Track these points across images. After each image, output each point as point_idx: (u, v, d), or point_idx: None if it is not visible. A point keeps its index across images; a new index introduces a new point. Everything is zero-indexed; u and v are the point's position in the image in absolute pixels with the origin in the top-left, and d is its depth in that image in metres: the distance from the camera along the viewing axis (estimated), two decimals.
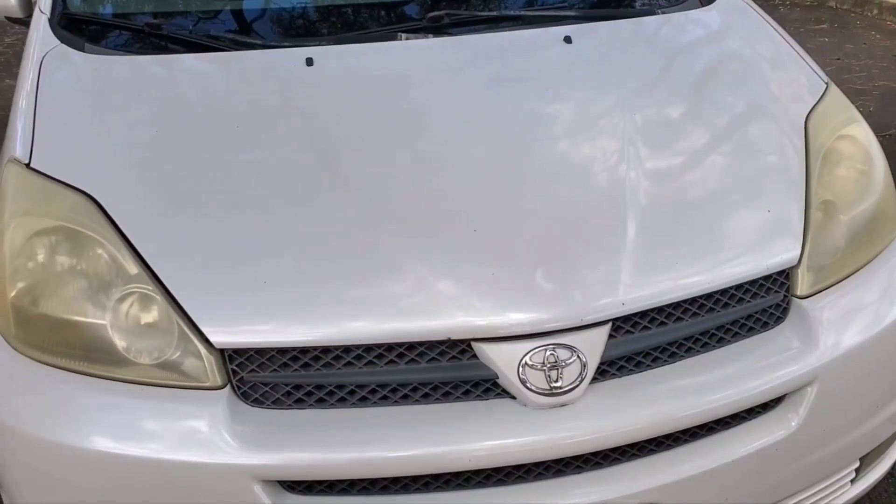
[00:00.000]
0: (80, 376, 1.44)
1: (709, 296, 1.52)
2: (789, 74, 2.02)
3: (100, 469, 1.40)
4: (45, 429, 1.42)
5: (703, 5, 2.21)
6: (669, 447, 1.47)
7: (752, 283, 1.56)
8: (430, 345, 1.41)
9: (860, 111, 2.01)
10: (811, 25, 6.37)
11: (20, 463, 1.48)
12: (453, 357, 1.42)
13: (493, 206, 1.57)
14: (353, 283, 1.45)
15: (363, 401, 1.41)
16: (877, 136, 1.94)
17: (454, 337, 1.41)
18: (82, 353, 1.45)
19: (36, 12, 2.10)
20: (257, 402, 1.41)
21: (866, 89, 4.96)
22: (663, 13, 2.16)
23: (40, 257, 1.52)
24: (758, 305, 1.56)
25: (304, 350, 1.41)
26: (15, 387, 1.48)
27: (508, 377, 1.40)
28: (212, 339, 1.40)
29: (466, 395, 1.42)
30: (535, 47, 1.99)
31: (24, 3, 2.38)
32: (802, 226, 1.62)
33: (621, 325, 1.47)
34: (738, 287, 1.54)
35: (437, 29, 2.01)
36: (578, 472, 1.43)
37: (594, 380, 1.43)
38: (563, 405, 1.41)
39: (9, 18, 2.43)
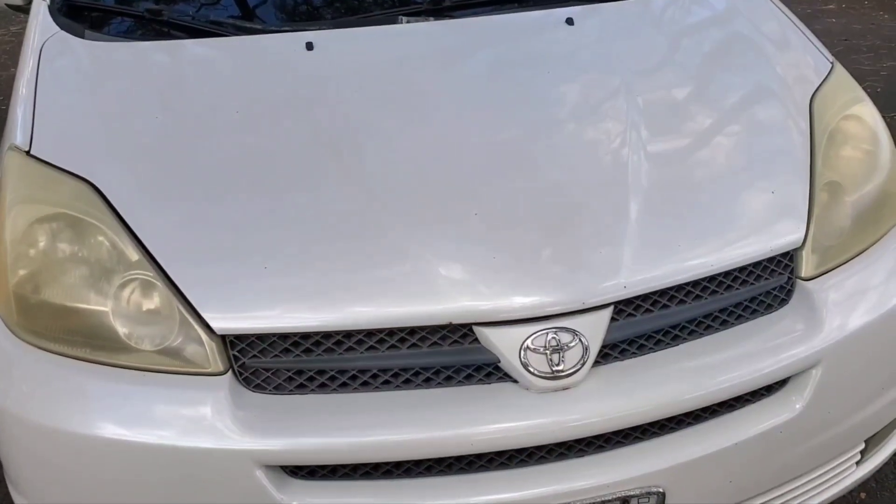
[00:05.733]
0: (82, 363, 1.44)
1: (712, 278, 1.51)
2: (794, 55, 1.99)
3: (103, 455, 1.40)
4: (50, 416, 1.43)
5: None
6: (673, 430, 1.47)
7: (756, 265, 1.55)
8: (432, 329, 1.41)
9: (868, 92, 1.98)
10: (819, 6, 6.29)
11: (24, 450, 1.48)
12: (455, 341, 1.42)
13: (495, 189, 1.56)
14: (355, 268, 1.44)
15: (365, 386, 1.41)
16: (884, 117, 1.92)
17: (455, 321, 1.40)
18: (84, 340, 1.45)
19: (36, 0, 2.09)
20: (259, 388, 1.41)
21: (874, 70, 4.91)
22: None
23: (41, 244, 1.52)
24: (762, 287, 1.55)
25: (305, 335, 1.40)
26: (18, 375, 1.49)
27: (510, 361, 1.40)
28: (213, 324, 1.40)
29: (468, 379, 1.42)
30: (537, 30, 1.97)
31: None
32: (807, 207, 1.61)
33: (623, 308, 1.46)
34: (742, 269, 1.53)
35: (438, 11, 1.99)
36: (581, 456, 1.43)
37: (596, 363, 1.43)
38: (565, 389, 1.40)
39: (9, 6, 2.43)
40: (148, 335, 1.44)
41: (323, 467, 1.40)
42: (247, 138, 1.67)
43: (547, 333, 1.40)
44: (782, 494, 1.61)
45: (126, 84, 1.82)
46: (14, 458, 1.52)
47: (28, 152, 1.64)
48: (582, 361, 1.40)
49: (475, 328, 1.41)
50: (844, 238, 1.64)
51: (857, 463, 1.72)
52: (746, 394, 1.50)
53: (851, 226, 1.66)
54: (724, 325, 1.52)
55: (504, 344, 1.40)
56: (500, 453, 1.41)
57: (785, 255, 1.58)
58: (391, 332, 1.41)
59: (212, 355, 1.41)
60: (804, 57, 1.98)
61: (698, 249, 1.51)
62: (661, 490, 1.43)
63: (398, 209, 1.52)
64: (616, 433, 1.44)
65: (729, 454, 1.47)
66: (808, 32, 2.09)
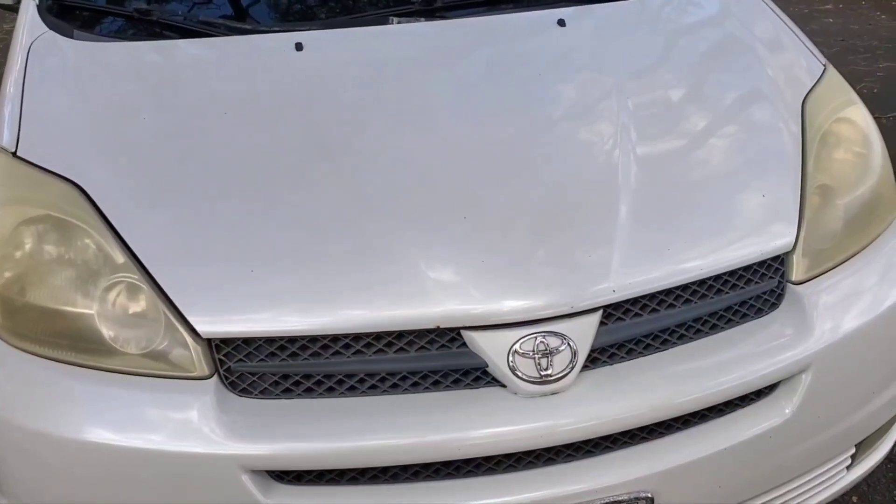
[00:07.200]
0: (67, 366, 1.43)
1: (701, 282, 1.50)
2: (787, 56, 1.99)
3: (87, 459, 1.39)
4: (34, 419, 1.42)
5: None
6: (662, 435, 1.46)
7: (746, 268, 1.54)
8: (420, 333, 1.40)
9: (864, 93, 1.98)
10: (816, 6, 6.29)
11: (8, 453, 1.47)
12: (443, 345, 1.41)
13: (484, 192, 1.55)
14: (342, 272, 1.43)
15: (352, 390, 1.40)
16: (881, 118, 1.92)
17: (443, 325, 1.39)
18: (70, 342, 1.44)
19: None
20: (245, 392, 1.40)
21: (870, 71, 4.90)
22: None
23: (27, 246, 1.51)
24: (752, 291, 1.54)
25: (291, 339, 1.39)
26: (3, 377, 1.47)
27: (498, 365, 1.39)
28: (198, 328, 1.39)
29: (456, 383, 1.41)
30: (528, 31, 1.96)
31: None
32: (798, 210, 1.60)
33: (612, 312, 1.45)
34: (732, 273, 1.52)
35: (430, 12, 1.98)
36: (569, 461, 1.42)
37: (585, 367, 1.42)
38: (553, 393, 1.40)
39: None
40: (133, 338, 1.43)
41: (309, 472, 1.39)
42: (235, 140, 1.66)
43: (535, 337, 1.39)
44: (773, 499, 1.60)
45: (114, 85, 1.81)
46: (1, 459, 1.50)
47: (14, 153, 1.63)
48: (571, 366, 1.39)
49: (463, 332, 1.40)
50: (835, 241, 1.63)
51: (848, 467, 1.71)
52: (736, 398, 1.49)
53: (842, 229, 1.65)
54: (714, 329, 1.51)
55: (492, 348, 1.39)
56: (487, 458, 1.40)
57: (775, 258, 1.57)
58: (378, 335, 1.40)
59: (197, 359, 1.40)
60: (797, 59, 1.98)
61: (688, 253, 1.50)
62: (649, 495, 1.43)
63: (386, 212, 1.51)
64: (605, 438, 1.43)
65: (718, 459, 1.46)
66: (801, 34, 2.08)
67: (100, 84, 1.82)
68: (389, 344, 1.40)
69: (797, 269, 1.58)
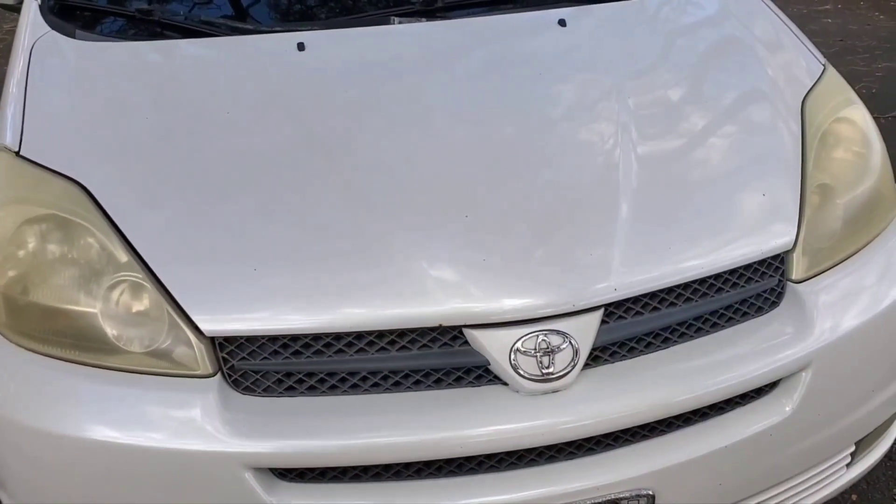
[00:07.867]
0: (71, 365, 1.43)
1: (702, 280, 1.50)
2: (787, 56, 1.99)
3: (91, 457, 1.39)
4: (38, 418, 1.42)
5: None
6: (663, 433, 1.47)
7: (747, 267, 1.55)
8: (422, 331, 1.41)
9: (863, 93, 1.99)
10: (815, 6, 6.30)
11: (12, 451, 1.47)
12: (445, 343, 1.41)
13: (485, 191, 1.56)
14: (344, 271, 1.44)
15: (354, 388, 1.41)
16: (880, 118, 1.92)
17: (445, 323, 1.40)
18: (73, 341, 1.44)
19: None
20: (248, 390, 1.41)
21: (869, 71, 4.91)
22: None
23: (30, 246, 1.52)
24: (752, 290, 1.55)
25: (294, 337, 1.40)
26: (7, 376, 1.48)
27: (500, 363, 1.40)
28: (202, 326, 1.39)
29: (458, 381, 1.42)
30: (529, 31, 1.96)
31: None
32: (798, 209, 1.61)
33: (614, 310, 1.46)
34: (733, 272, 1.53)
35: (431, 12, 1.99)
36: (571, 459, 1.43)
37: (586, 366, 1.43)
38: (555, 391, 1.40)
39: (1, 5, 2.42)
40: (137, 337, 1.43)
41: (312, 470, 1.39)
42: (237, 140, 1.67)
43: (537, 336, 1.40)
44: (772, 497, 1.61)
45: (116, 84, 1.82)
46: (2, 458, 1.51)
47: (17, 153, 1.64)
48: (572, 364, 1.40)
49: (465, 330, 1.40)
50: (835, 240, 1.64)
51: (848, 465, 1.72)
52: (736, 396, 1.49)
53: (842, 228, 1.66)
54: (715, 327, 1.52)
55: (494, 346, 1.40)
56: (489, 456, 1.41)
57: (776, 257, 1.58)
58: (381, 334, 1.41)
59: (201, 357, 1.40)
60: (796, 59, 1.98)
61: (689, 252, 1.51)
62: (650, 493, 1.43)
63: (388, 211, 1.51)
64: (606, 436, 1.44)
65: (719, 457, 1.47)
66: (800, 34, 2.09)
67: (102, 83, 1.82)
68: (392, 342, 1.41)
69: (797, 268, 1.59)
